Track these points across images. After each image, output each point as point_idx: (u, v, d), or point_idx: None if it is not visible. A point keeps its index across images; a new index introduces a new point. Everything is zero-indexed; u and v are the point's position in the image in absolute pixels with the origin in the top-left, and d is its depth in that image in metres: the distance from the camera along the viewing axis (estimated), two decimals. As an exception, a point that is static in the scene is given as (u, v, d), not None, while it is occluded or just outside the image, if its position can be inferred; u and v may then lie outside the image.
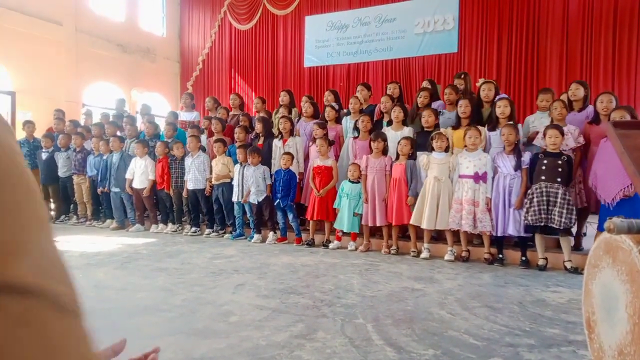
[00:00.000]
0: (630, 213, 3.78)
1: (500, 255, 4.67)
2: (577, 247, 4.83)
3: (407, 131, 5.40)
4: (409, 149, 5.06)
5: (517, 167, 4.58)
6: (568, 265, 4.31)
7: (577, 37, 8.49)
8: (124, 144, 7.23)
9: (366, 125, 5.58)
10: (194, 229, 6.48)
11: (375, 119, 6.04)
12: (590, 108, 4.92)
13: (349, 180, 5.41)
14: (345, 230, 5.40)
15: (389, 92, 6.20)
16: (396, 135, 5.42)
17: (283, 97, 7.07)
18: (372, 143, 5.28)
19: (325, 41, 10.92)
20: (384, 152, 5.28)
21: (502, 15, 9.11)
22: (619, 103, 4.64)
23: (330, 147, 5.70)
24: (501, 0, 9.11)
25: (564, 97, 5.19)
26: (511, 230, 4.55)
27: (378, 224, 5.21)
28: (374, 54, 10.38)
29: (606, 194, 4.19)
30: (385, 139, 5.28)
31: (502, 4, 9.10)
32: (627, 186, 3.99)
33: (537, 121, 5.03)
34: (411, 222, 4.93)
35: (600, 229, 4.16)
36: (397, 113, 5.47)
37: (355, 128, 5.73)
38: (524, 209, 4.39)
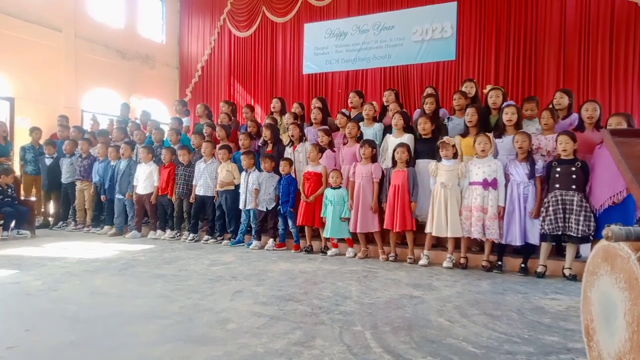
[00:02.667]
0: (618, 218, 3.83)
1: (500, 263, 4.66)
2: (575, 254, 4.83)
3: (407, 138, 5.40)
4: (407, 155, 5.07)
5: (531, 175, 4.54)
6: (567, 272, 4.31)
7: (574, 45, 8.53)
8: (134, 151, 7.23)
9: (351, 132, 5.61)
10: (192, 235, 6.45)
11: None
12: (574, 115, 4.99)
13: (331, 187, 5.42)
14: (328, 236, 5.41)
15: (383, 99, 6.28)
16: (396, 142, 5.43)
17: (275, 104, 7.14)
18: (359, 149, 5.29)
19: (324, 48, 10.97)
20: (373, 159, 5.30)
21: (499, 24, 9.16)
22: (602, 111, 4.69)
23: (321, 153, 5.71)
24: (499, 8, 9.17)
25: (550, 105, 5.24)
26: (533, 240, 4.50)
27: (359, 231, 5.22)
28: (373, 62, 10.42)
29: (595, 200, 4.22)
30: (373, 146, 5.30)
31: (500, 12, 9.17)
32: (616, 194, 4.03)
33: (524, 128, 5.04)
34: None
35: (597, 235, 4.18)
36: (396, 120, 5.48)
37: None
38: (541, 218, 4.38)
